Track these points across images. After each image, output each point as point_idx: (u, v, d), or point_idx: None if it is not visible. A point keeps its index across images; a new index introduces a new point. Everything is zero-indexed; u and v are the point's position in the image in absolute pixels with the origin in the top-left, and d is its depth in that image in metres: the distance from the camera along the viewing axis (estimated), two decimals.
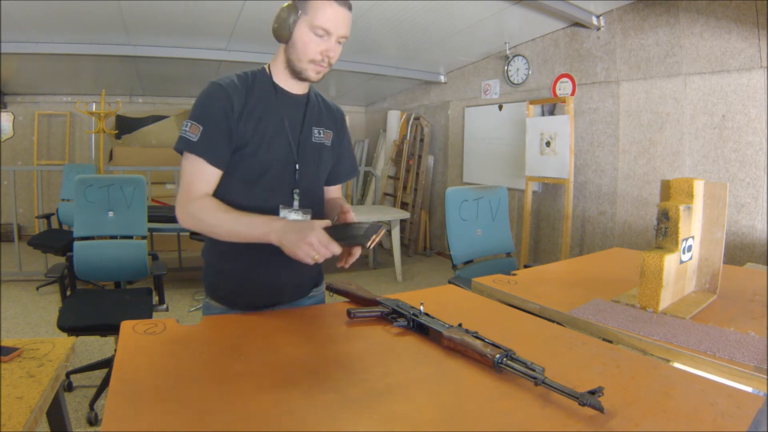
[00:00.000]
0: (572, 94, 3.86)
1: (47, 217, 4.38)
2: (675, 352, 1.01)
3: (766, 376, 0.88)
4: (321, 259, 0.95)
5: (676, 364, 0.99)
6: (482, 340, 0.90)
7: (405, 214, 4.73)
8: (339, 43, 1.08)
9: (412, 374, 0.86)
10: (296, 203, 1.15)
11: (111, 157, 5.63)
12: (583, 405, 0.71)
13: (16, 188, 4.50)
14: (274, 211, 1.12)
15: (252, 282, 1.15)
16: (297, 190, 1.15)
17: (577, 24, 3.76)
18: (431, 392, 0.80)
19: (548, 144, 3.84)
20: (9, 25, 3.57)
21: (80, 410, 2.15)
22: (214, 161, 1.06)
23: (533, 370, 0.79)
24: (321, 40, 1.05)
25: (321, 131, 1.21)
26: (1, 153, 5.55)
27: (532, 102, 4.06)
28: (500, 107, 4.65)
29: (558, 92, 3.99)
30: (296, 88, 1.16)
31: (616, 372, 0.88)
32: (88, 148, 5.92)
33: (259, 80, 1.12)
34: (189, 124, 1.05)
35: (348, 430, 0.68)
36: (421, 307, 1.06)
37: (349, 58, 4.68)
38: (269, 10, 4.12)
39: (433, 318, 1.02)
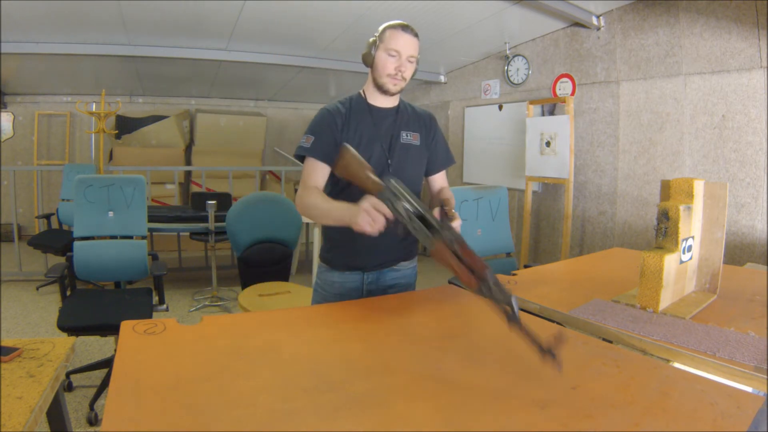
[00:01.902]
0: (572, 94, 3.86)
1: (47, 217, 4.37)
2: (675, 352, 1.00)
3: (766, 376, 0.88)
4: (378, 225, 1.04)
5: (676, 364, 0.99)
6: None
7: None
8: (410, 62, 1.37)
9: (413, 374, 0.86)
10: None
11: (111, 157, 5.63)
12: (546, 354, 0.76)
13: (16, 188, 4.49)
14: None
15: (348, 246, 1.41)
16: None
17: (577, 24, 3.76)
18: (431, 392, 0.80)
19: (548, 144, 3.84)
20: (9, 25, 3.56)
21: (80, 410, 2.15)
22: (323, 158, 1.36)
23: (510, 306, 0.82)
24: (393, 59, 1.36)
25: (409, 134, 1.47)
26: (1, 153, 5.55)
27: (532, 102, 4.06)
28: (500, 107, 4.65)
29: (558, 92, 3.99)
30: (386, 102, 1.45)
31: (616, 372, 0.88)
32: (88, 148, 5.91)
33: (356, 102, 1.44)
34: (305, 137, 1.38)
35: (348, 430, 0.68)
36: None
37: (349, 58, 4.67)
38: (269, 10, 4.09)
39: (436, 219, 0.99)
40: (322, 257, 1.51)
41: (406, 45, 1.35)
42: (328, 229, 1.47)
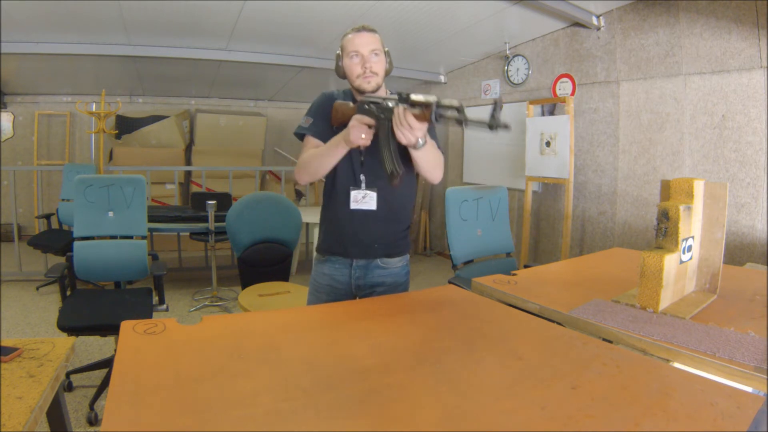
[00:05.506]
0: (572, 94, 3.86)
1: (47, 217, 4.37)
2: (675, 352, 1.00)
3: (766, 376, 0.88)
4: (366, 134, 1.27)
5: (676, 364, 0.99)
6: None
7: None
8: (375, 55, 1.44)
9: (413, 374, 0.86)
10: (363, 184, 1.49)
11: (111, 157, 5.62)
12: (492, 128, 1.04)
13: (16, 188, 4.49)
14: (345, 184, 1.48)
15: (338, 231, 1.52)
16: (362, 175, 1.49)
17: (577, 24, 3.76)
18: (431, 392, 0.80)
19: (548, 144, 3.84)
20: (9, 25, 3.56)
21: (80, 410, 2.15)
22: (318, 135, 1.49)
23: (459, 111, 1.10)
24: (357, 59, 1.43)
25: None
26: (1, 153, 5.55)
27: (532, 102, 4.06)
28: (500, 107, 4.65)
29: (558, 92, 3.99)
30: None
31: (616, 372, 0.88)
32: (88, 148, 5.91)
33: (346, 94, 1.54)
34: (304, 119, 1.53)
35: (348, 430, 0.68)
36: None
37: None
38: (269, 10, 4.08)
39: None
40: (317, 248, 1.61)
41: (363, 43, 1.42)
42: (323, 220, 1.59)
